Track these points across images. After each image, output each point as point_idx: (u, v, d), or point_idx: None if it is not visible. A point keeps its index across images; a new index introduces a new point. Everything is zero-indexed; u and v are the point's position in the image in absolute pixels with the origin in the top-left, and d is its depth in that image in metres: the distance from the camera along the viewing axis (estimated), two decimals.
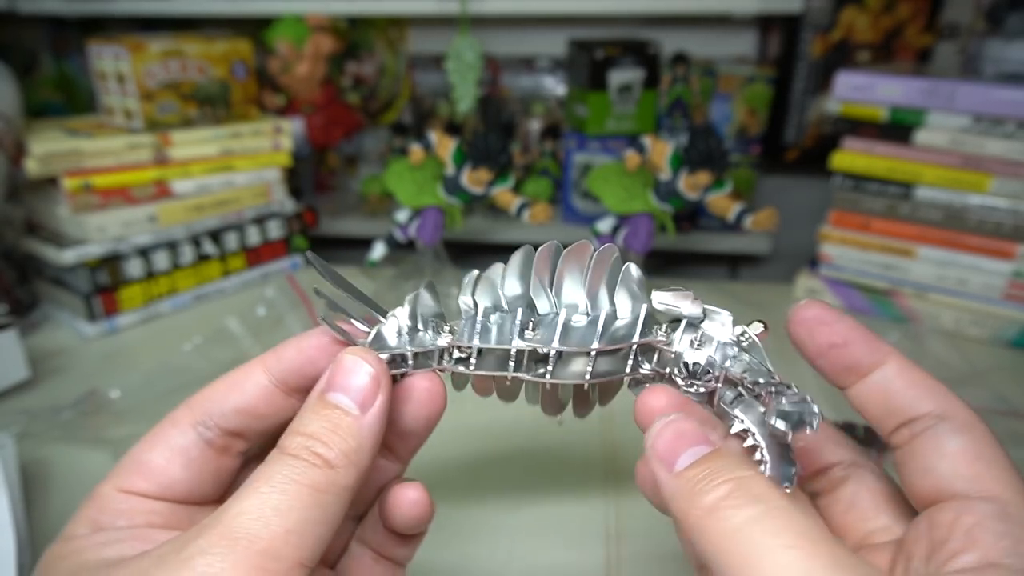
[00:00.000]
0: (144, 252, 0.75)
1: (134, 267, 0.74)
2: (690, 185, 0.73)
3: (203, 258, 0.80)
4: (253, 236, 0.84)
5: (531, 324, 0.27)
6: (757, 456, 0.24)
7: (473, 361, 0.28)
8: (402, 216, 0.82)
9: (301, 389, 0.26)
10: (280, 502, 0.21)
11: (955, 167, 0.71)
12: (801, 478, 0.27)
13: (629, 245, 0.77)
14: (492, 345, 0.27)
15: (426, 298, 0.28)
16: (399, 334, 0.27)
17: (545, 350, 0.27)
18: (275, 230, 0.87)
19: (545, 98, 1.12)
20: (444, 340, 0.27)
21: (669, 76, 1.03)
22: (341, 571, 0.29)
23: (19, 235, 0.75)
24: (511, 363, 0.27)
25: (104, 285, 0.72)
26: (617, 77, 0.95)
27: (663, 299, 0.27)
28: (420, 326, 0.28)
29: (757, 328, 0.28)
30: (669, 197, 0.75)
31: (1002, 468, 0.22)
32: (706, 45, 1.06)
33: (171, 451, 0.25)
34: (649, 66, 0.96)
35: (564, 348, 0.26)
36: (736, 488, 0.20)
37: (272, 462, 0.22)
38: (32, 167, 0.69)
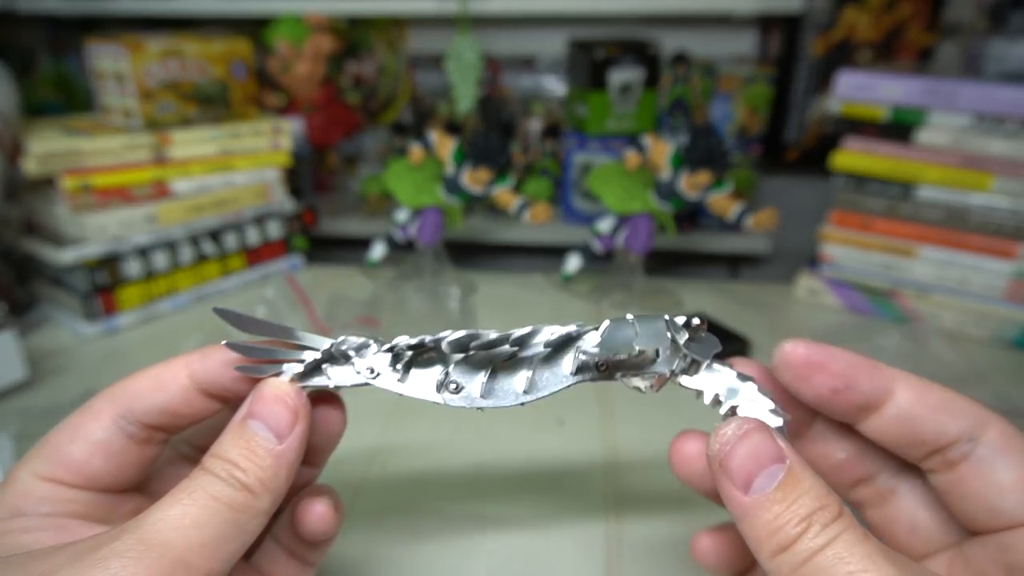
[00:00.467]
0: (143, 252, 0.74)
1: (133, 267, 0.74)
2: (690, 185, 0.72)
3: (202, 258, 0.80)
4: (253, 236, 0.84)
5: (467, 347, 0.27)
6: (735, 415, 0.25)
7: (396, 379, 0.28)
8: (402, 216, 0.82)
9: (221, 397, 0.27)
10: (198, 516, 0.22)
11: (956, 167, 0.71)
12: (844, 488, 0.27)
13: (629, 245, 0.77)
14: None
15: (352, 341, 0.29)
16: (319, 368, 0.28)
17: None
18: (275, 230, 0.87)
19: (545, 98, 1.12)
20: (367, 359, 0.28)
21: (669, 76, 1.02)
22: (255, 563, 0.30)
23: (17, 235, 0.75)
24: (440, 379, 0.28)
25: (103, 285, 0.72)
26: (617, 77, 0.95)
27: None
28: (343, 354, 0.28)
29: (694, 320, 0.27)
30: (669, 197, 0.75)
31: None
32: (706, 45, 1.06)
33: (92, 445, 0.26)
34: (649, 66, 0.96)
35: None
36: (812, 524, 0.21)
37: (195, 477, 0.23)
38: (31, 167, 0.68)
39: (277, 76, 0.99)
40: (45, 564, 0.21)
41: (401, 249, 0.84)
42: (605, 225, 0.79)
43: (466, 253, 1.04)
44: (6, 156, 0.70)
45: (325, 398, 0.29)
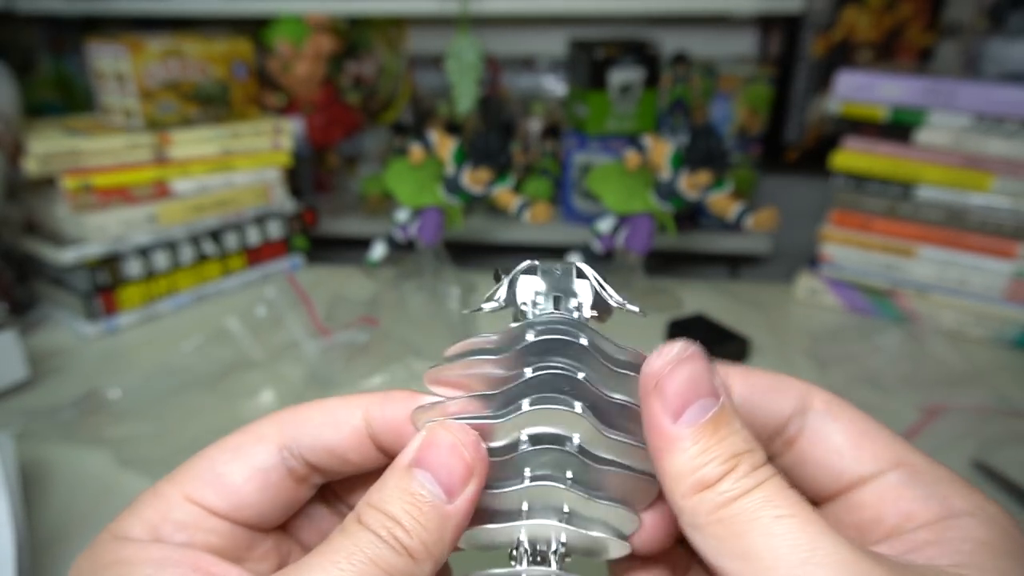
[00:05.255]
0: (144, 252, 0.74)
1: (134, 267, 0.74)
2: (690, 185, 0.72)
3: (203, 258, 0.80)
4: (253, 236, 0.84)
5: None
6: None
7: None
8: (402, 216, 0.82)
9: (393, 452, 0.24)
10: None
11: (956, 166, 0.71)
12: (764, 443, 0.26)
13: (629, 245, 0.77)
14: None
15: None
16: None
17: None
18: (275, 230, 0.87)
19: (545, 98, 1.12)
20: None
21: (669, 76, 1.03)
22: (292, 529, 0.27)
23: (18, 235, 0.75)
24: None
25: (103, 285, 0.72)
26: (617, 77, 0.95)
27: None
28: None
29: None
30: (669, 197, 0.75)
31: (884, 436, 0.23)
32: (706, 45, 1.06)
33: (251, 469, 0.23)
34: (649, 66, 0.96)
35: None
36: (740, 464, 0.20)
37: (352, 534, 0.20)
38: (31, 166, 0.68)
39: (277, 76, 0.99)
40: None
41: (401, 249, 0.84)
42: (605, 225, 0.79)
43: (466, 253, 1.05)
44: (7, 156, 0.70)
45: None
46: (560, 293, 0.24)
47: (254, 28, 0.96)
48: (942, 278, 0.74)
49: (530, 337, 0.22)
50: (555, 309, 0.23)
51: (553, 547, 0.23)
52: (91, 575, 0.21)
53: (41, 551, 0.44)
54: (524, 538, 0.23)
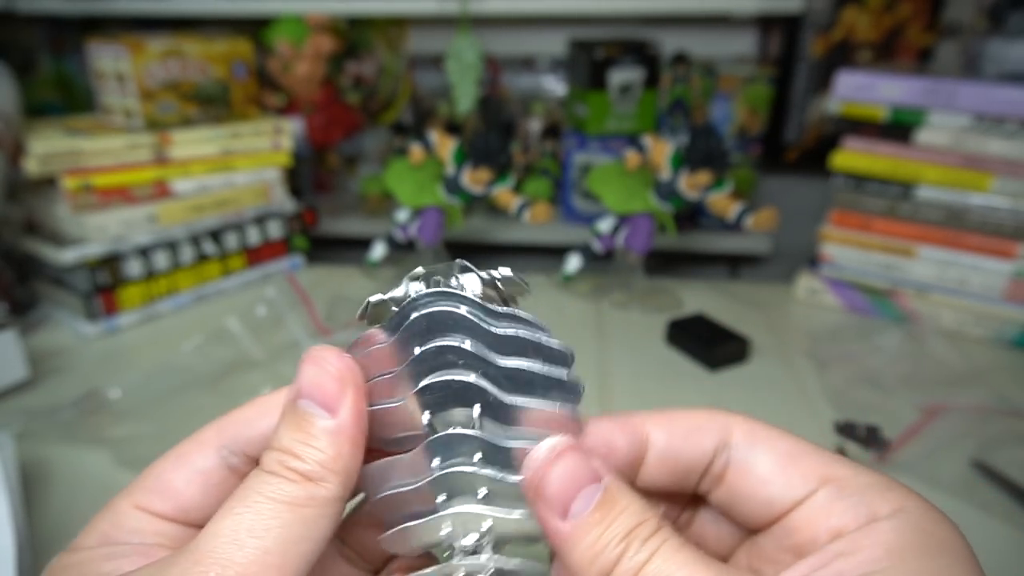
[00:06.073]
0: (144, 252, 0.74)
1: (134, 267, 0.74)
2: (690, 185, 0.73)
3: (203, 258, 0.80)
4: (253, 236, 0.84)
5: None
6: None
7: None
8: (402, 216, 0.82)
9: None
10: (255, 522, 0.20)
11: (956, 167, 0.71)
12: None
13: (629, 245, 0.77)
14: None
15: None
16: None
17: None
18: (275, 230, 0.87)
19: (545, 98, 1.12)
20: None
21: (669, 76, 1.03)
22: None
23: (18, 235, 0.75)
24: None
25: (104, 285, 0.72)
26: (617, 77, 0.95)
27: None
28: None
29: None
30: (669, 197, 0.75)
31: (810, 455, 0.23)
32: (706, 45, 1.06)
33: (192, 473, 0.24)
34: (649, 66, 0.96)
35: None
36: (633, 540, 0.20)
37: (249, 481, 0.21)
38: (32, 166, 0.69)
39: (277, 76, 0.99)
40: None
41: (401, 249, 0.84)
42: (605, 225, 0.79)
43: (466, 253, 1.04)
44: (7, 156, 0.70)
45: None
46: (440, 278, 0.24)
47: (254, 28, 0.96)
48: (942, 278, 0.74)
49: (413, 316, 0.23)
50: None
51: (483, 537, 0.23)
52: None
53: (41, 551, 0.44)
54: (448, 530, 0.23)
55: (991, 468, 0.51)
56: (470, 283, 0.24)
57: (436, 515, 0.23)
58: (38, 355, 0.66)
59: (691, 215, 1.05)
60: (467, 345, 0.22)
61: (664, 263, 1.12)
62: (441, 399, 0.23)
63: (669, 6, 0.92)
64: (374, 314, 0.25)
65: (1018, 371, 0.67)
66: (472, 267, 0.24)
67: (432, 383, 0.23)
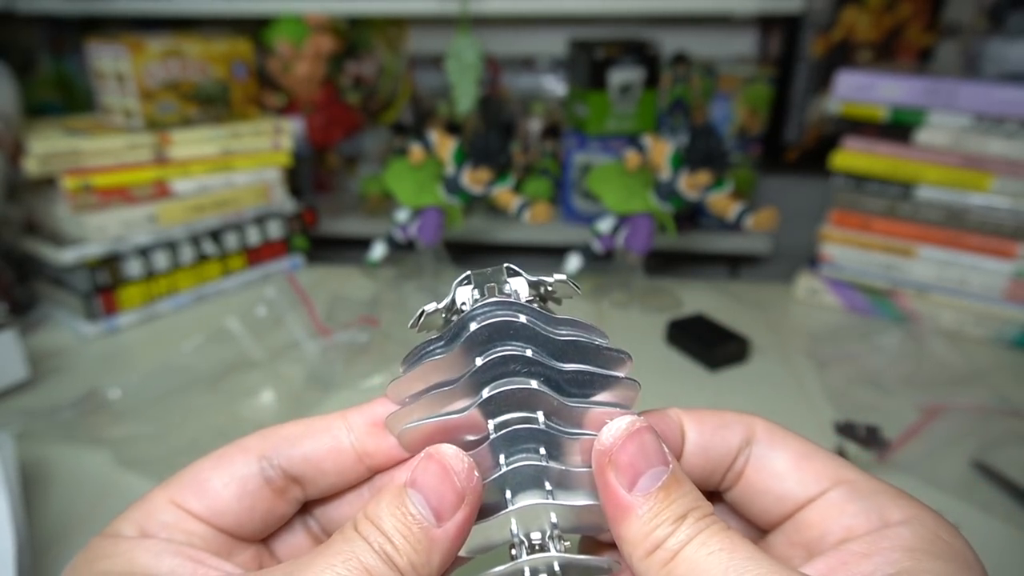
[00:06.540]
0: (144, 252, 0.74)
1: (134, 267, 0.74)
2: (690, 185, 0.73)
3: (203, 258, 0.80)
4: (253, 236, 0.84)
5: None
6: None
7: None
8: (402, 216, 0.82)
9: (377, 463, 0.26)
10: None
11: (956, 166, 0.71)
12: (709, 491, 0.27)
13: (629, 245, 0.77)
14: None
15: None
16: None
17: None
18: (275, 230, 0.87)
19: (545, 98, 1.12)
20: None
21: (669, 76, 1.03)
22: (273, 545, 0.28)
23: (18, 235, 0.75)
24: None
25: (104, 285, 0.72)
26: (617, 77, 0.95)
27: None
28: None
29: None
30: (669, 197, 0.75)
31: (823, 457, 0.24)
32: (706, 45, 1.06)
33: (231, 477, 0.25)
34: (649, 66, 0.96)
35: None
36: (686, 520, 0.21)
37: (351, 540, 0.21)
38: (31, 166, 0.68)
39: (277, 76, 0.99)
40: None
41: (401, 249, 0.84)
42: (605, 225, 0.79)
43: (466, 253, 1.05)
44: (7, 156, 0.70)
45: None
46: (493, 284, 0.25)
47: (254, 28, 0.96)
48: (942, 278, 0.74)
49: (473, 326, 0.23)
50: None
51: (548, 531, 0.23)
52: (87, 569, 0.22)
53: (41, 551, 0.44)
54: (516, 527, 0.23)
55: (991, 468, 0.51)
56: (519, 287, 0.24)
57: (505, 511, 0.23)
58: (38, 355, 0.66)
59: (691, 215, 1.05)
60: (529, 354, 0.23)
61: (664, 263, 1.12)
62: (504, 407, 0.23)
63: (669, 6, 0.92)
64: (427, 323, 0.25)
65: (1018, 371, 0.67)
66: (519, 270, 0.25)
67: (496, 394, 0.23)
